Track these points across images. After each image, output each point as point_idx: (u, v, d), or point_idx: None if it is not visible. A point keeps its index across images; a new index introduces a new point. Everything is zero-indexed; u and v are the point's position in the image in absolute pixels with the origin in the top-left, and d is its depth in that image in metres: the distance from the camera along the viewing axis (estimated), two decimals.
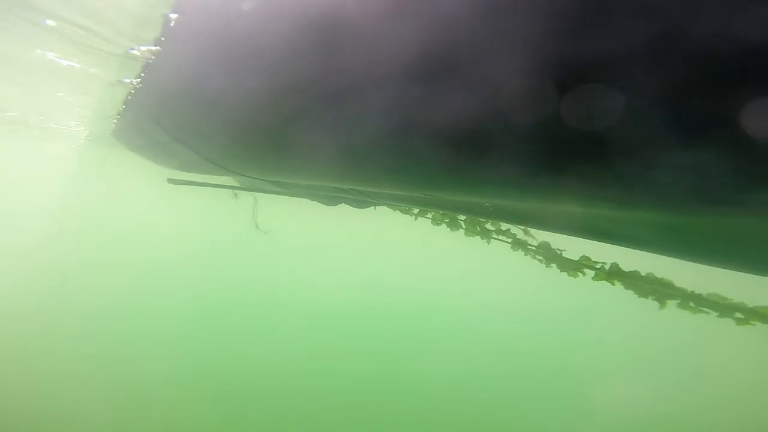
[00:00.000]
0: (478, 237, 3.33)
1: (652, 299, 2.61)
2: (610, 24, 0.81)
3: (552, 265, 2.96)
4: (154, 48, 3.01)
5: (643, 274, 2.63)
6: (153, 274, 17.73)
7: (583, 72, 0.90)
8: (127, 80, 4.78)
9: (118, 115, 6.66)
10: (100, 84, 6.23)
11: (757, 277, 1.74)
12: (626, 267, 2.74)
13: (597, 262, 2.72)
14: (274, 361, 12.72)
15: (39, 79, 6.97)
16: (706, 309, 2.43)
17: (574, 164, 1.16)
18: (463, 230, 3.34)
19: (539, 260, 3.04)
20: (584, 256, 2.73)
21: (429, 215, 3.59)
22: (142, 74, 3.71)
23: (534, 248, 3.02)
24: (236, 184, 5.08)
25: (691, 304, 2.49)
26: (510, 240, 3.14)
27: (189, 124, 2.76)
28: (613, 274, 2.66)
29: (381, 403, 11.82)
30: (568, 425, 12.42)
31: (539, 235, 2.99)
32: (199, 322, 14.63)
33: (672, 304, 2.57)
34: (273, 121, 1.86)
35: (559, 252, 2.92)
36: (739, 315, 2.31)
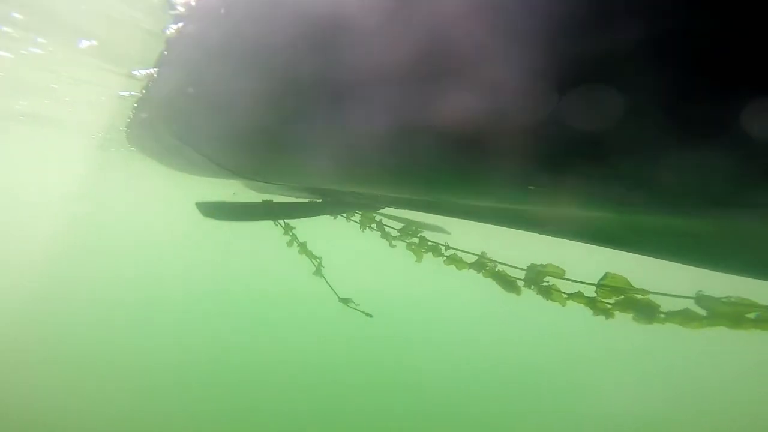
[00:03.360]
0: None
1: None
2: (611, 24, 0.81)
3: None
4: (162, 50, 3.07)
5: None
6: (164, 276, 17.90)
7: (585, 72, 0.91)
8: (139, 83, 4.86)
9: (130, 118, 6.77)
10: (113, 88, 6.35)
11: (756, 282, 1.71)
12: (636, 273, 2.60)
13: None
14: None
15: (54, 82, 7.11)
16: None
17: (575, 164, 1.16)
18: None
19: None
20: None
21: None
22: (153, 77, 3.78)
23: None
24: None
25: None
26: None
27: (196, 127, 2.81)
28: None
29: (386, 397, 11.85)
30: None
31: (540, 241, 2.95)
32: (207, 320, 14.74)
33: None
34: (276, 123, 1.89)
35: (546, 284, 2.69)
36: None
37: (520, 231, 2.71)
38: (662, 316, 2.12)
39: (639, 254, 2.02)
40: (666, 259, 1.96)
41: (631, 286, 2.21)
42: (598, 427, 12.42)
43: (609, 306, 2.31)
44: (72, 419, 8.41)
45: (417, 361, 14.52)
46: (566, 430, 12.32)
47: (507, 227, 2.75)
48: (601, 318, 2.30)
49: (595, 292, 2.32)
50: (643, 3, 0.77)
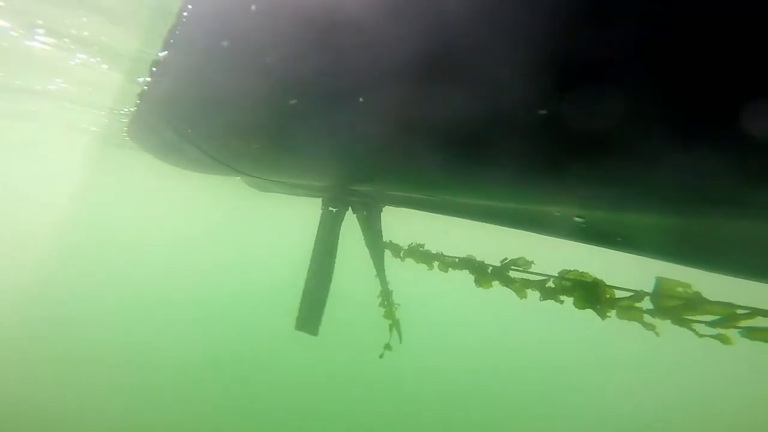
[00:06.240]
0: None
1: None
2: (609, 24, 0.81)
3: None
4: (163, 48, 3.07)
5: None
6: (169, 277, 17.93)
7: (583, 72, 0.91)
8: (139, 80, 4.87)
9: (131, 115, 6.77)
10: (114, 84, 6.35)
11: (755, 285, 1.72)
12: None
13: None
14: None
15: (56, 78, 7.11)
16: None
17: (573, 164, 1.16)
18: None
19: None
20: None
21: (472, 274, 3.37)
22: (152, 74, 3.78)
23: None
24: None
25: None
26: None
27: (196, 124, 2.81)
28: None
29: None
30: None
31: (540, 242, 2.94)
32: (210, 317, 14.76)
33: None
34: (275, 121, 1.90)
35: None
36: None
37: (519, 231, 2.71)
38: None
39: (638, 255, 2.03)
40: (665, 261, 1.96)
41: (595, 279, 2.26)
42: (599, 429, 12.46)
43: (557, 290, 2.37)
44: (72, 420, 8.43)
45: (418, 363, 14.51)
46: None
47: (506, 227, 2.76)
48: (603, 323, 2.31)
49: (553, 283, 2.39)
50: (641, 3, 0.77)
